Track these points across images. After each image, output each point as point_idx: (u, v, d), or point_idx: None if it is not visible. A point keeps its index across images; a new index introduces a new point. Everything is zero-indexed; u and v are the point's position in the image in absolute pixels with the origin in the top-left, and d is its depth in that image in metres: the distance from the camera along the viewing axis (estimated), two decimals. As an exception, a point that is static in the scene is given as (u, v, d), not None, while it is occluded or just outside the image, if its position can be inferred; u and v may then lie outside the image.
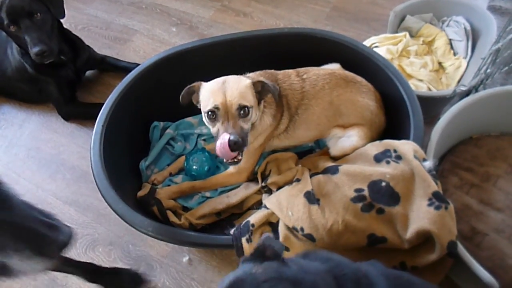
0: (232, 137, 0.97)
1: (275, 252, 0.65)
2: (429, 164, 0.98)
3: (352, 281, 0.67)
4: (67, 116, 1.76)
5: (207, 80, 1.16)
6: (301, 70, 1.25)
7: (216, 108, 1.02)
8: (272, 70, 1.25)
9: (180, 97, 1.11)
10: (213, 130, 1.06)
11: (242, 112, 1.03)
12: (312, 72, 1.23)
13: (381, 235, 0.93)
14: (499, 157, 1.23)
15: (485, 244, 1.07)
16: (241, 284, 0.59)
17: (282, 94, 1.18)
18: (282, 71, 1.25)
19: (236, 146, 0.97)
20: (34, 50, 1.47)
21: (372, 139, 1.18)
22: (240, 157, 1.05)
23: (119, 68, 1.89)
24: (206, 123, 1.09)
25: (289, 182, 1.15)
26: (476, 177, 1.20)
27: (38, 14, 1.50)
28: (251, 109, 1.04)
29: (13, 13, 1.46)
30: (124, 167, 1.28)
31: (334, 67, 1.31)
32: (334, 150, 1.20)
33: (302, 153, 1.34)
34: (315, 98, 1.20)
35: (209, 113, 1.04)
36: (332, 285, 0.64)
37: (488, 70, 1.22)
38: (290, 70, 1.24)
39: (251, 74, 1.19)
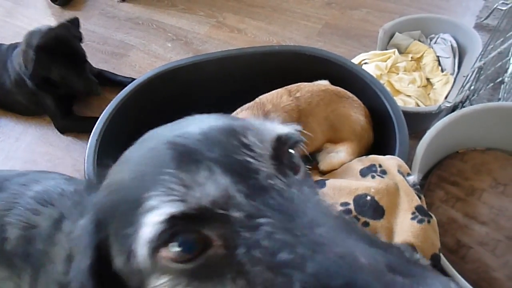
0: None
1: None
2: (413, 178, 1.01)
3: None
4: (63, 130, 1.78)
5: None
6: (293, 88, 1.25)
7: None
8: (261, 98, 1.23)
9: None
10: None
11: None
12: (305, 90, 1.24)
13: (367, 248, 0.95)
14: (484, 171, 1.26)
15: (469, 257, 1.09)
16: None
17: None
18: (271, 95, 1.23)
19: None
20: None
21: (360, 154, 1.21)
22: None
23: (115, 83, 1.92)
24: None
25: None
26: (461, 191, 1.23)
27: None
28: None
29: None
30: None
31: (323, 83, 1.34)
32: (323, 165, 1.23)
33: (293, 167, 1.37)
34: (312, 115, 1.22)
35: None
36: None
37: (472, 87, 1.26)
38: (281, 90, 1.24)
39: (238, 110, 1.21)
